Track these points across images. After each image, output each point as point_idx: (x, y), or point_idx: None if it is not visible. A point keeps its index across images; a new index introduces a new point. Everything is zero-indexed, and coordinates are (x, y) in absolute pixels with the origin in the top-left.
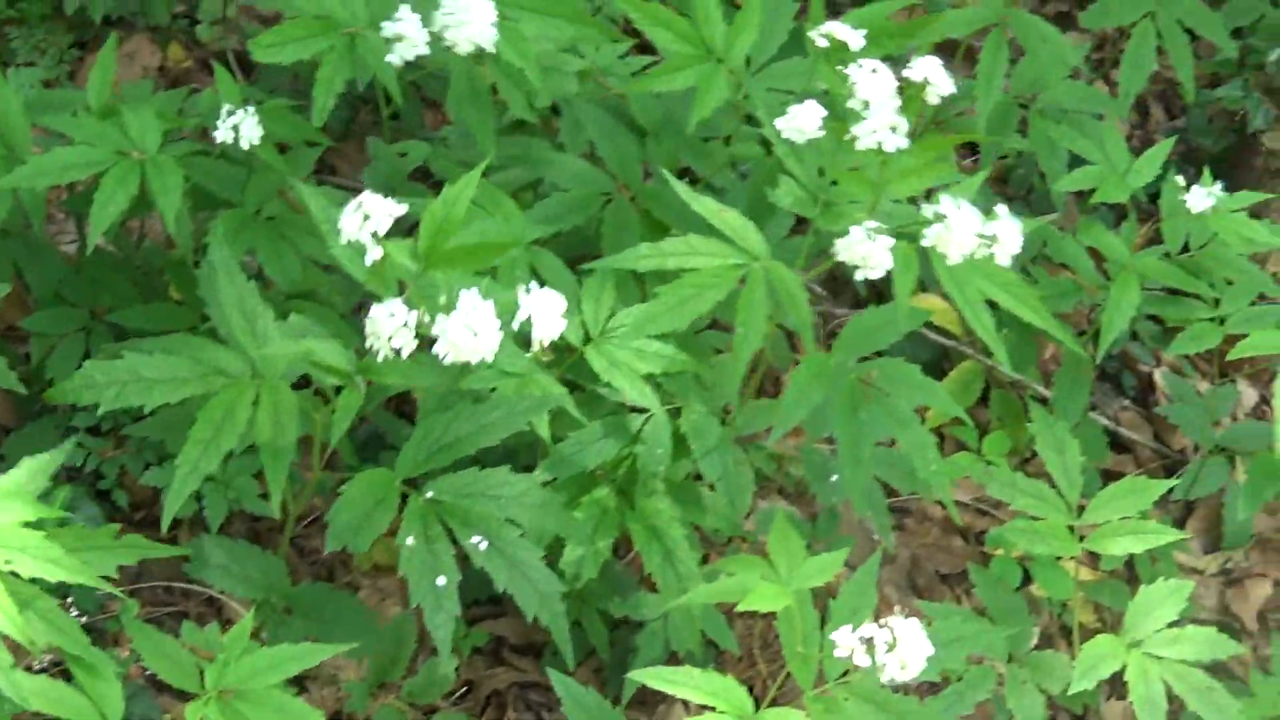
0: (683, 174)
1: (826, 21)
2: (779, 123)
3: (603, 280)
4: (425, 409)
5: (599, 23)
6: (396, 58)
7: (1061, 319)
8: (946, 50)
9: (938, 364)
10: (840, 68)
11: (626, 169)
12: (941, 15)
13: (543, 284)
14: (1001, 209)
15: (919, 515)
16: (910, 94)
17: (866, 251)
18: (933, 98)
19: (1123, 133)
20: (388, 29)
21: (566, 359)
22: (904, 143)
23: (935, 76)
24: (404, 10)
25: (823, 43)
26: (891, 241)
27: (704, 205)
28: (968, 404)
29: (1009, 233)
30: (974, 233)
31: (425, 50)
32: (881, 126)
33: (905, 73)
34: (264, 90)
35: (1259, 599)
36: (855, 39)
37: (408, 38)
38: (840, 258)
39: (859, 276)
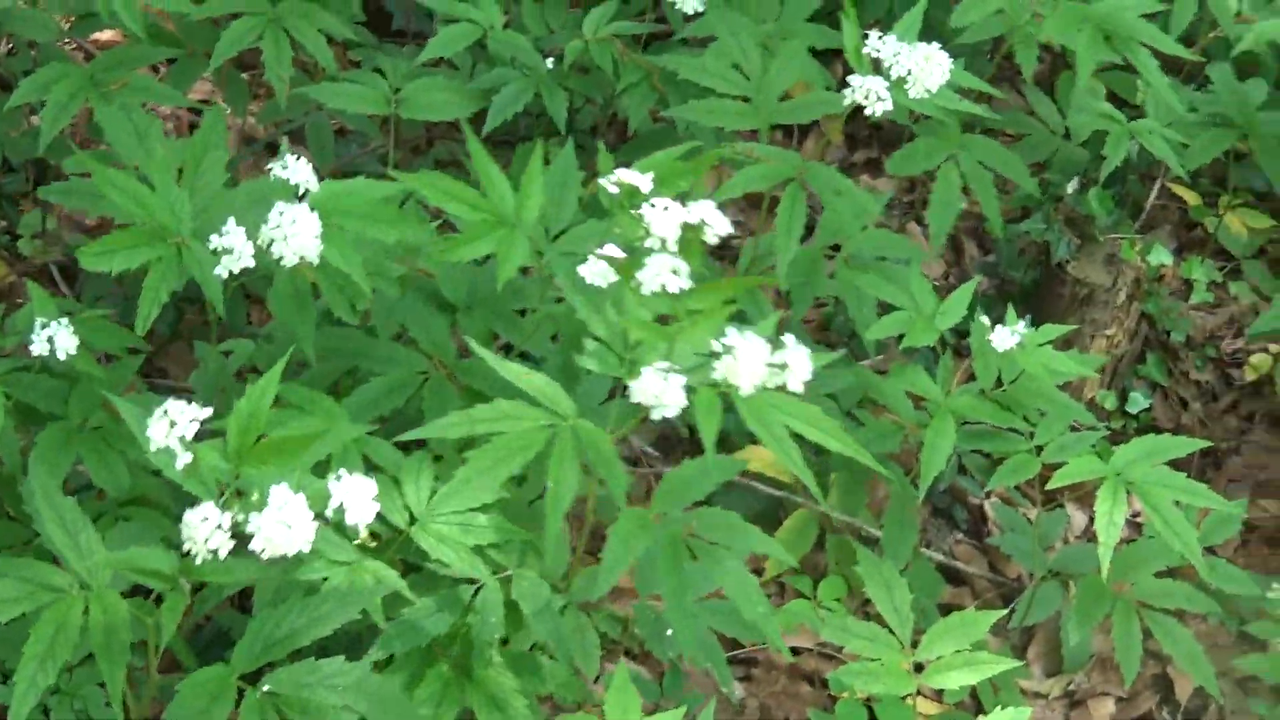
0: (501, 347)
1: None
2: (583, 269)
3: (421, 460)
4: (260, 604)
5: (420, 223)
6: (223, 270)
7: (889, 460)
8: (753, 202)
9: (773, 514)
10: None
11: (440, 346)
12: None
13: (370, 471)
14: (789, 337)
15: (766, 664)
16: (690, 236)
17: (659, 390)
18: (711, 237)
19: (939, 271)
20: (215, 241)
21: (398, 540)
22: (686, 284)
23: (711, 218)
24: (231, 223)
25: (614, 189)
26: (684, 379)
27: (509, 369)
28: (803, 551)
29: (798, 359)
30: (763, 361)
31: (251, 263)
32: (664, 270)
33: (683, 216)
34: (90, 299)
35: (1102, 718)
36: (645, 182)
37: (235, 250)
38: (635, 399)
39: (655, 416)
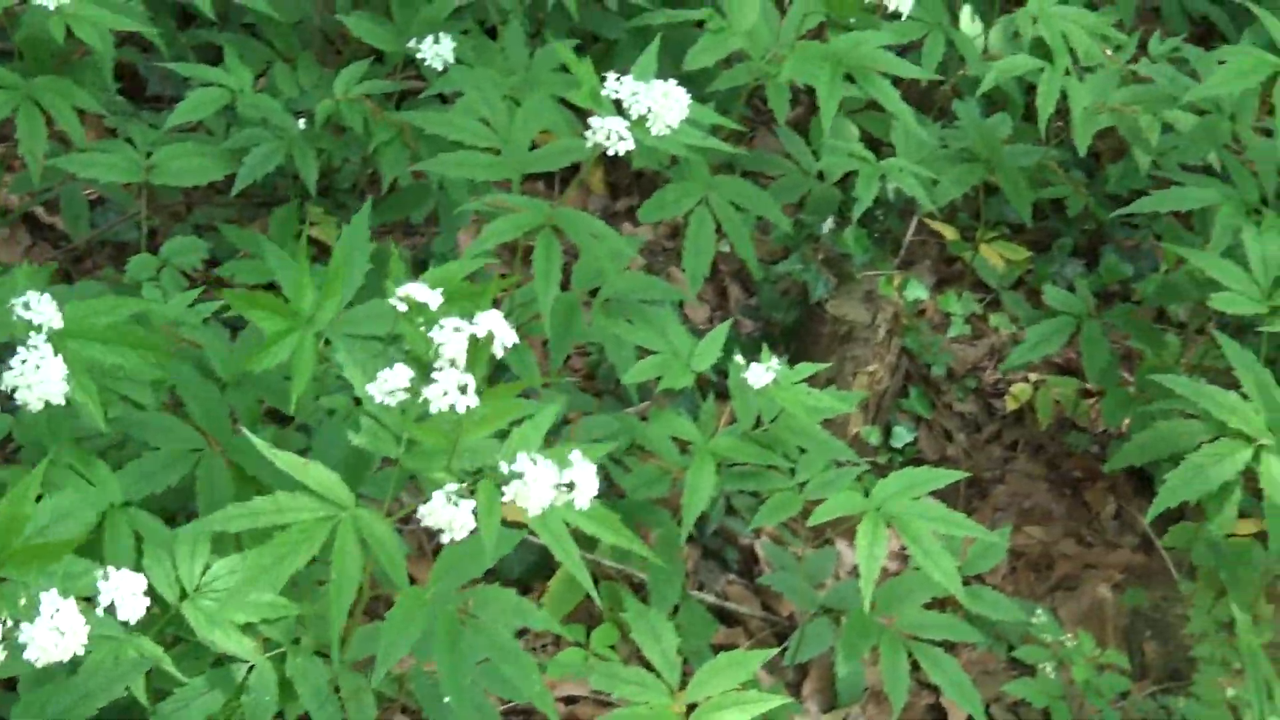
0: (279, 417)
1: (406, 282)
2: (370, 388)
3: (195, 537)
4: (24, 684)
5: (161, 345)
6: None
7: (658, 504)
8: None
9: (547, 565)
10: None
11: (214, 423)
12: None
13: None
14: (575, 454)
15: (543, 714)
16: (478, 347)
17: (449, 517)
18: (498, 349)
19: (703, 314)
20: None
21: (167, 615)
22: (474, 401)
23: (498, 329)
24: None
25: (402, 306)
26: (472, 504)
27: (286, 460)
28: (576, 600)
29: (585, 477)
30: (551, 485)
31: None
32: (451, 387)
33: (470, 329)
34: None
35: None
36: (434, 299)
37: None
38: (426, 523)
39: (444, 539)
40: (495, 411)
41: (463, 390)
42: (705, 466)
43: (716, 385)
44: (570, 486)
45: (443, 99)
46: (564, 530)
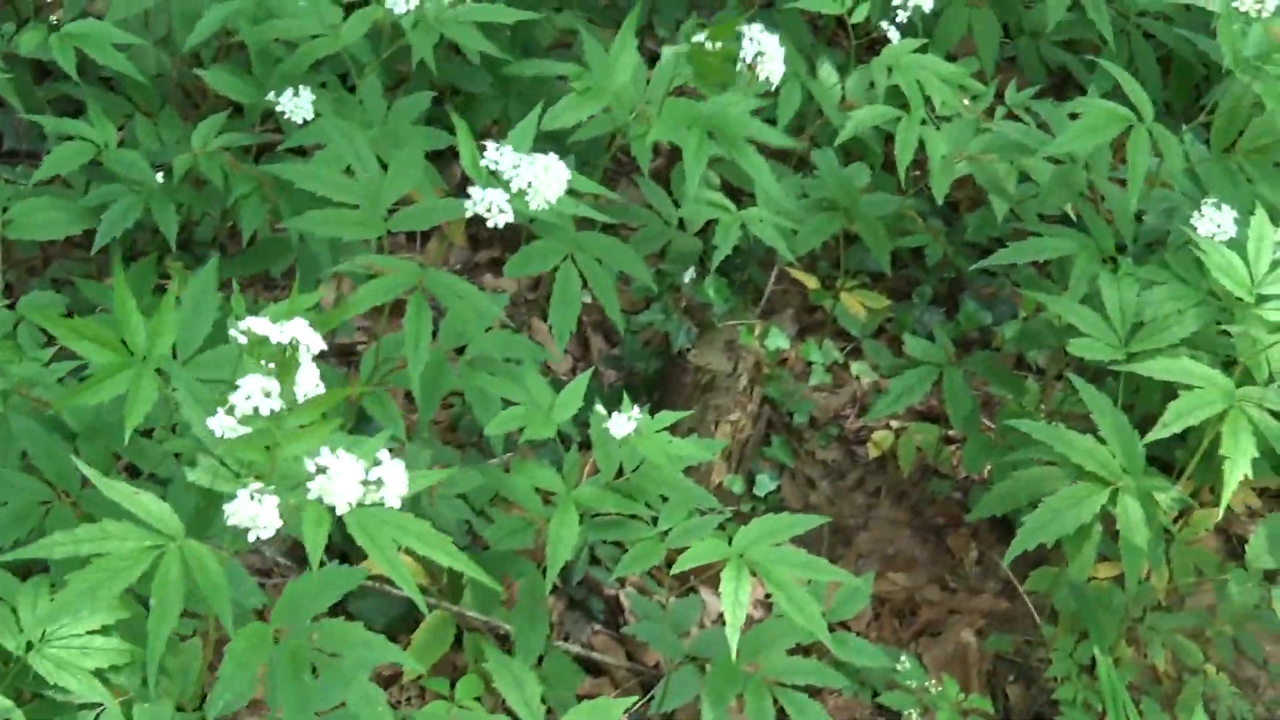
0: (135, 472)
1: (249, 317)
2: (211, 423)
3: (38, 585)
4: None
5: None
6: None
7: (523, 555)
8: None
9: (410, 617)
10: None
11: (62, 476)
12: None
13: None
14: (383, 453)
15: None
16: (286, 356)
17: (253, 513)
18: (305, 357)
19: (567, 366)
20: None
21: (14, 668)
22: (277, 405)
23: (304, 336)
24: None
25: (242, 339)
26: (276, 500)
27: (116, 490)
28: (441, 651)
29: (394, 475)
30: (358, 480)
31: None
32: (255, 392)
33: (275, 336)
34: None
35: None
36: (275, 332)
37: None
38: (231, 523)
39: (251, 538)
40: (312, 426)
41: (266, 394)
42: (568, 516)
43: (580, 436)
44: (379, 484)
45: (302, 152)
46: (391, 546)
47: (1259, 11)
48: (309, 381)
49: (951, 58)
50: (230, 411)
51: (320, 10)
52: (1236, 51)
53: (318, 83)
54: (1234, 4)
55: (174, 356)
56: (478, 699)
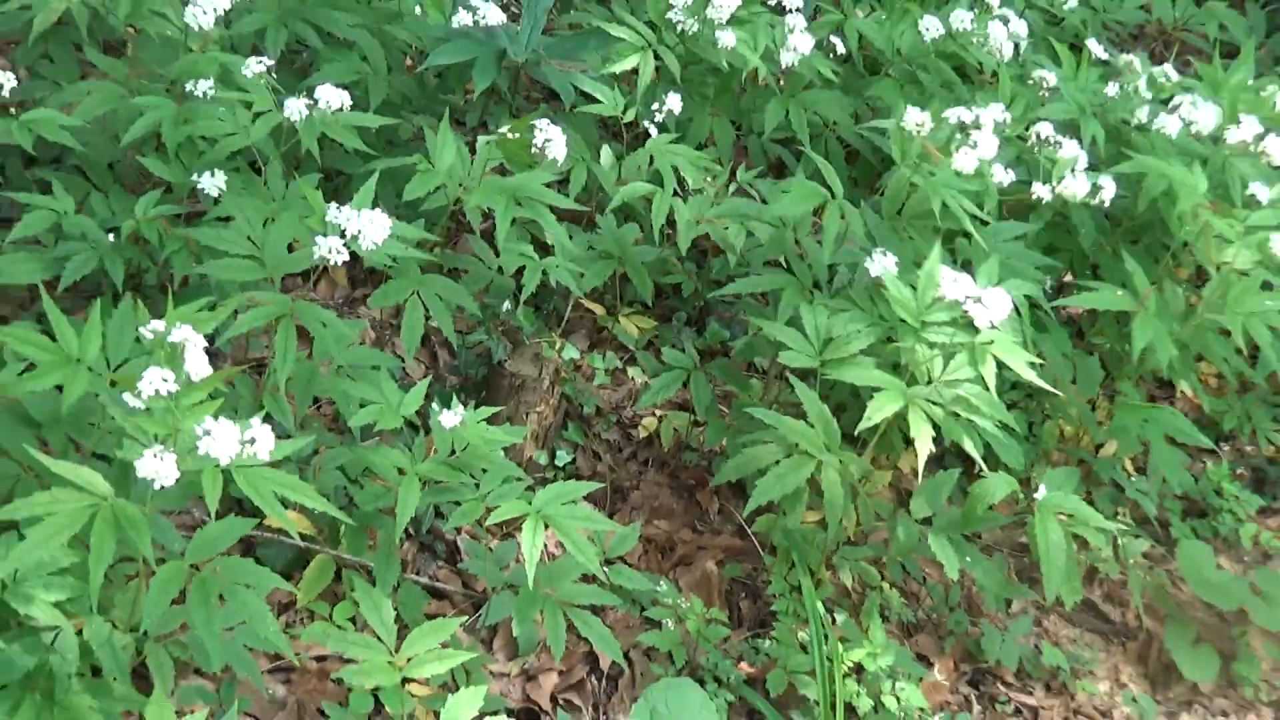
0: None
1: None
2: (126, 396)
3: (9, 541)
4: None
5: None
6: None
7: (383, 513)
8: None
9: (302, 559)
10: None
11: (29, 457)
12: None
13: None
14: (255, 420)
15: (301, 671)
16: (173, 352)
17: (157, 468)
18: (194, 350)
19: (420, 373)
20: None
21: None
22: (175, 388)
23: (189, 336)
24: None
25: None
26: (175, 457)
27: (59, 466)
28: (325, 584)
29: (263, 435)
30: (236, 439)
31: None
32: (155, 379)
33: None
34: None
35: (549, 686)
36: (178, 333)
37: None
38: (140, 475)
39: (156, 487)
40: (204, 402)
41: (165, 380)
42: (413, 485)
43: (423, 425)
44: (252, 441)
45: (221, 219)
46: (273, 496)
47: (919, 129)
48: (200, 369)
49: (700, 147)
50: (137, 395)
51: (235, 115)
52: (905, 152)
53: (232, 167)
54: (903, 124)
55: (107, 365)
56: (351, 619)
